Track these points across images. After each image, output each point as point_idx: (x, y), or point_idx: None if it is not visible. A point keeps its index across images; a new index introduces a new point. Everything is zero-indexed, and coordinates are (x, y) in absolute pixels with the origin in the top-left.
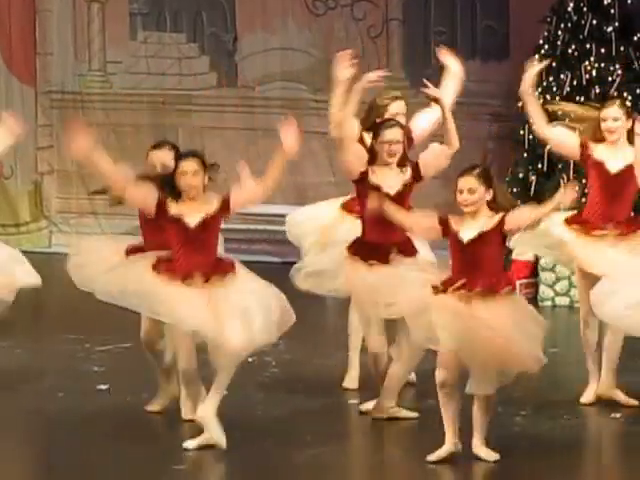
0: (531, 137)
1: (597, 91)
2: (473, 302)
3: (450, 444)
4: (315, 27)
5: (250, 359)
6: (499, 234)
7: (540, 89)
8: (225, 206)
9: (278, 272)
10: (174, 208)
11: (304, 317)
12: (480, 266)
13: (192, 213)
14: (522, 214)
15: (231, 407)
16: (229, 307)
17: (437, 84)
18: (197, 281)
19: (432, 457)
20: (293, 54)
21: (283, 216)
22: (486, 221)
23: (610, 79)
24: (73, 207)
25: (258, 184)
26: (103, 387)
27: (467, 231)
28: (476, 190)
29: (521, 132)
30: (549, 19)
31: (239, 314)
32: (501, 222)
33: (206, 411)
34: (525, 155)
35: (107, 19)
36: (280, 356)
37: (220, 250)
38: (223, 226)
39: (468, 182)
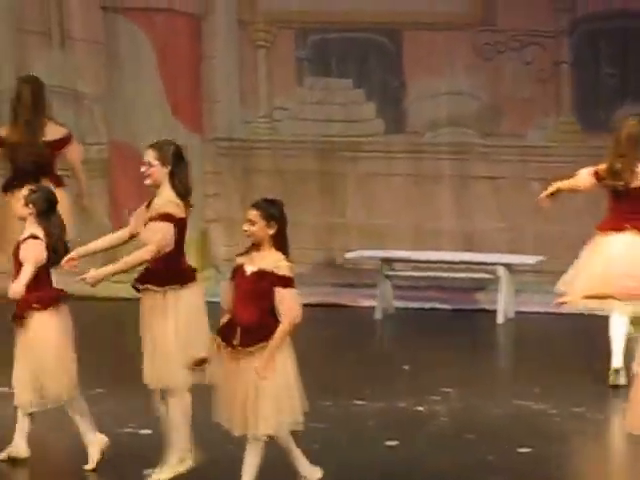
0: None
1: None
2: None
3: None
4: (483, 71)
5: (420, 408)
6: None
7: None
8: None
9: (448, 320)
10: (240, 257)
11: (478, 364)
12: None
13: (253, 262)
14: None
15: (398, 457)
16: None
17: (609, 128)
18: (236, 350)
19: None
20: (461, 99)
21: (451, 263)
22: None
23: None
24: None
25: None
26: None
27: None
28: None
29: None
30: None
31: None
32: None
33: None
34: None
35: (273, 65)
36: (451, 405)
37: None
38: (392, 273)
39: None
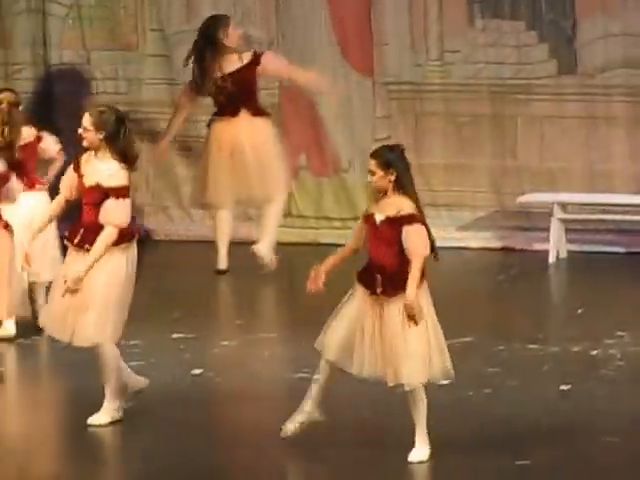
0: None
1: None
2: None
3: None
4: None
5: (594, 352)
6: None
7: None
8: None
9: (622, 262)
10: (372, 205)
11: None
12: None
13: (382, 210)
14: None
15: (572, 401)
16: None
17: None
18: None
19: None
20: (635, 40)
21: (625, 205)
22: None
23: None
24: None
25: None
26: None
27: None
28: None
29: None
30: None
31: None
32: None
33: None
34: None
35: (444, 7)
36: (626, 348)
37: None
38: (565, 216)
39: None
